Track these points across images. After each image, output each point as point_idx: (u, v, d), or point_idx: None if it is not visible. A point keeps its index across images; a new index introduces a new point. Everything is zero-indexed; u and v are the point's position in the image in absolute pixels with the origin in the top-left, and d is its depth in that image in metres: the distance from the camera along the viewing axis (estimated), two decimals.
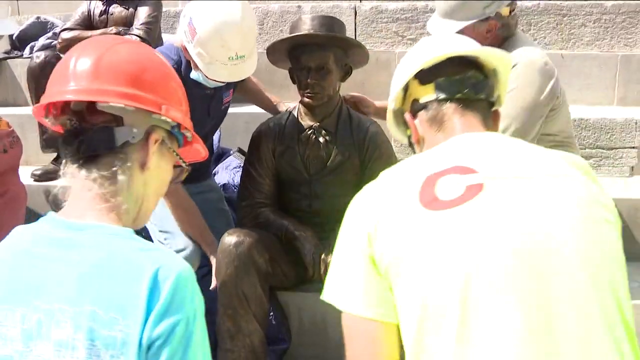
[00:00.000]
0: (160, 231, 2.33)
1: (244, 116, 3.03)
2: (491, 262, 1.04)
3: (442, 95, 1.28)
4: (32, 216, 3.16)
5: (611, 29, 3.56)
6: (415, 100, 1.32)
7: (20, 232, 1.11)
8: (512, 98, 2.09)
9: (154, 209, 1.21)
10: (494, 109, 1.35)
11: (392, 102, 1.39)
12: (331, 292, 1.18)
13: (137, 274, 0.99)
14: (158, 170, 1.16)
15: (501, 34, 2.24)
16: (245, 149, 2.51)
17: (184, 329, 0.99)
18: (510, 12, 2.23)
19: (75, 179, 1.10)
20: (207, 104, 2.35)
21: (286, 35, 2.35)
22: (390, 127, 1.46)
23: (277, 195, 2.37)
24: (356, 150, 2.33)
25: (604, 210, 1.15)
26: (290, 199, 2.38)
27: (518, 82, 2.12)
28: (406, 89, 1.35)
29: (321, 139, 2.30)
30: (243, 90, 2.68)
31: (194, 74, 2.14)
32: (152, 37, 3.12)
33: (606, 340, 1.02)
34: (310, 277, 2.26)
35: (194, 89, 2.19)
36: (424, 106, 1.30)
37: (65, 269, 1.02)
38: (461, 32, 2.06)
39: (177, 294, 1.00)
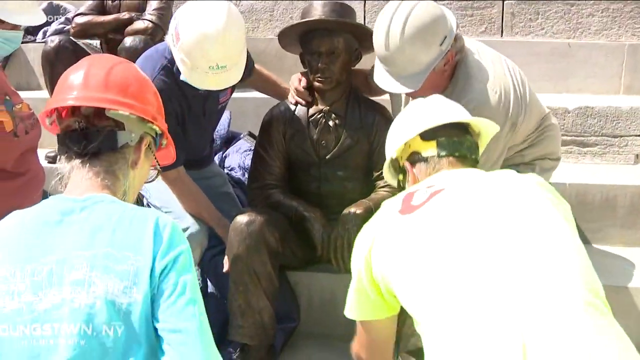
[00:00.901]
0: (166, 212, 2.37)
1: (254, 100, 3.06)
2: (461, 237, 1.27)
3: (443, 153, 1.53)
4: (47, 197, 3.21)
5: (619, 19, 3.59)
6: (416, 153, 1.57)
7: (28, 208, 1.29)
8: None
9: (134, 199, 1.43)
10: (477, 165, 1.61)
11: (392, 152, 1.64)
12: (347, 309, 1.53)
13: (142, 222, 1.23)
14: (142, 169, 1.41)
15: (457, 59, 2.10)
16: (256, 133, 2.55)
17: (186, 257, 1.25)
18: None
19: (78, 171, 1.31)
20: (202, 104, 2.38)
21: (297, 21, 2.39)
22: (385, 171, 1.72)
23: (287, 177, 2.42)
24: (365, 134, 2.37)
25: (551, 193, 1.40)
26: (300, 181, 2.43)
27: None
28: (406, 141, 1.59)
29: (331, 123, 2.35)
30: (255, 85, 2.71)
31: (182, 77, 2.15)
32: (164, 22, 3.16)
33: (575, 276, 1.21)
34: (319, 256, 2.31)
35: (187, 89, 2.23)
36: (425, 159, 1.55)
37: (78, 226, 1.23)
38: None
39: (175, 236, 1.25)
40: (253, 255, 2.14)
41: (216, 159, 3.03)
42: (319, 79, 2.27)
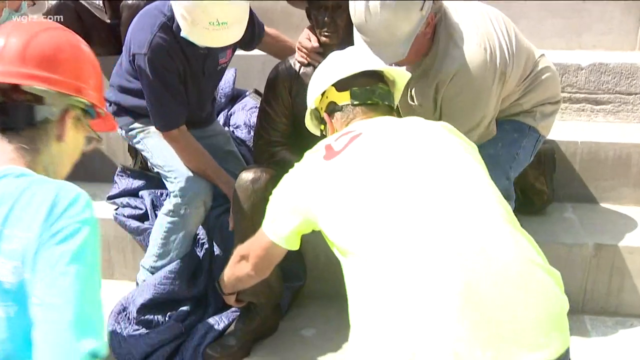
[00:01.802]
0: (168, 171, 2.35)
1: (260, 57, 3.00)
2: (383, 174, 1.40)
3: (356, 101, 1.65)
4: None
5: None
6: (333, 103, 1.69)
7: None
8: (467, 104, 2.04)
9: (67, 171, 1.42)
10: (394, 112, 1.72)
11: (311, 103, 1.76)
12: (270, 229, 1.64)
13: (42, 197, 1.17)
14: (73, 140, 1.38)
15: (437, 19, 2.03)
16: (262, 91, 2.50)
17: (77, 229, 1.15)
18: None
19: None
20: (202, 64, 2.34)
21: None
22: (307, 122, 1.83)
23: (293, 134, 2.38)
24: None
25: (459, 137, 1.58)
26: (305, 139, 2.38)
27: (467, 88, 2.02)
28: (323, 92, 1.71)
29: None
30: (263, 47, 2.65)
31: (182, 33, 2.11)
32: None
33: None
34: None
35: (187, 47, 2.20)
36: (340, 108, 1.67)
37: None
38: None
39: (71, 208, 1.16)
40: (258, 213, 2.06)
41: (221, 117, 3.00)
42: (325, 33, 2.22)
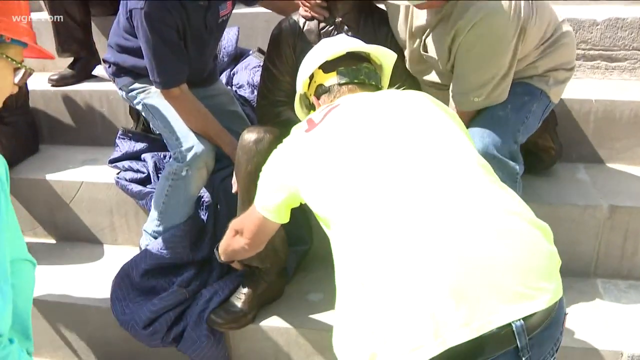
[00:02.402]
0: (170, 132, 2.29)
1: (264, 15, 2.92)
2: (364, 141, 1.40)
3: (343, 80, 1.67)
4: (52, 122, 3.15)
5: None
6: (320, 85, 1.70)
7: None
8: (483, 57, 1.95)
9: None
10: None
11: (299, 87, 1.77)
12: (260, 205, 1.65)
13: None
14: None
15: None
16: (266, 49, 2.43)
17: None
18: None
19: None
20: (203, 17, 2.27)
21: None
22: (296, 108, 1.86)
23: None
24: (379, 44, 2.23)
25: (439, 106, 1.57)
26: None
27: (486, 40, 1.92)
28: (311, 77, 1.73)
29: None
30: (266, 3, 2.56)
31: None
32: None
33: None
34: None
35: (186, 1, 2.14)
36: (327, 89, 1.68)
37: None
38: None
39: None
40: None
41: (223, 76, 2.93)
42: None
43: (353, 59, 1.72)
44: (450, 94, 2.08)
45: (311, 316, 2.22)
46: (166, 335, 2.19)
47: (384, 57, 1.78)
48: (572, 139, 2.67)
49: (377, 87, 1.72)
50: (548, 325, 1.22)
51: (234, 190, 2.16)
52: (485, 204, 1.28)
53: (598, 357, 2.03)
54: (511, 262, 1.20)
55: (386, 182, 1.32)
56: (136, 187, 2.60)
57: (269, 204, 1.61)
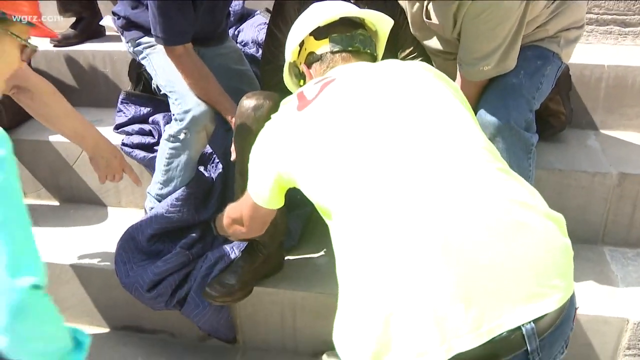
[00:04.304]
0: (170, 91, 2.26)
1: None
2: (361, 120, 1.30)
3: (336, 48, 1.56)
4: (54, 83, 3.11)
5: None
6: (311, 53, 1.60)
7: None
8: (491, 23, 1.87)
9: (4, 79, 1.46)
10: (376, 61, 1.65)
11: (288, 56, 1.67)
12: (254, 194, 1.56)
13: None
14: (2, 53, 1.41)
15: None
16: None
17: None
18: None
19: None
20: None
21: None
22: (285, 78, 1.75)
23: None
24: (389, 11, 2.15)
25: (437, 75, 1.47)
26: None
27: (495, 5, 1.84)
28: (301, 45, 1.63)
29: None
30: None
31: None
32: None
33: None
34: None
35: None
36: (319, 57, 1.58)
37: None
38: None
39: None
40: None
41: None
42: None
43: (346, 25, 1.61)
44: (458, 63, 2.01)
45: (317, 279, 2.21)
46: (170, 298, 2.19)
47: (380, 22, 1.68)
48: (583, 105, 2.63)
49: (372, 55, 1.63)
50: (559, 324, 1.14)
51: (232, 158, 2.13)
52: (495, 195, 1.18)
53: (604, 324, 2.03)
54: (523, 260, 1.12)
55: (389, 172, 1.21)
56: (140, 154, 2.58)
57: (261, 190, 1.52)
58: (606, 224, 2.36)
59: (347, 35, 1.58)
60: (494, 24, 1.88)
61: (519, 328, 1.07)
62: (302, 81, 1.67)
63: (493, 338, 1.06)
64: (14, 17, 1.38)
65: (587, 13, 2.22)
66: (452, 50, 2.06)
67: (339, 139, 1.29)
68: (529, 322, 1.08)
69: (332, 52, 1.57)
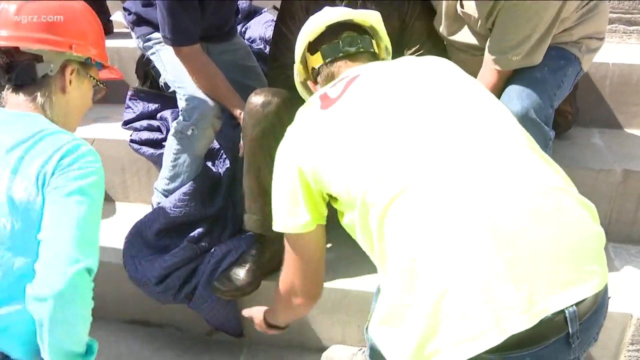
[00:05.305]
0: (178, 87, 2.29)
1: None
2: (393, 113, 1.30)
3: (328, 59, 1.59)
4: None
5: None
6: (313, 69, 1.64)
7: None
8: (528, 12, 1.90)
9: (78, 120, 1.64)
10: (381, 58, 1.70)
11: (297, 76, 1.72)
12: (277, 223, 1.48)
13: (62, 142, 1.41)
14: (79, 91, 1.59)
15: None
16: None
17: (89, 174, 1.39)
18: None
19: (11, 99, 1.51)
20: None
21: None
22: (302, 95, 1.78)
23: None
24: (395, 8, 2.19)
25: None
26: None
27: None
28: (306, 64, 1.67)
29: None
30: None
31: None
32: None
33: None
34: None
35: None
36: (319, 71, 1.62)
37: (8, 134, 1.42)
38: None
39: (88, 157, 1.42)
40: (269, 139, 1.98)
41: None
42: None
43: (334, 32, 1.61)
44: (487, 51, 2.04)
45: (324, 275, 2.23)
46: (178, 292, 2.21)
47: (367, 18, 1.67)
48: (588, 103, 2.64)
49: (370, 52, 1.63)
50: (596, 310, 1.17)
51: (240, 153, 2.14)
52: (536, 180, 1.20)
53: (608, 319, 1.99)
54: (564, 245, 1.14)
55: (426, 158, 1.22)
56: (148, 151, 2.60)
57: (295, 208, 1.41)
58: (610, 220, 2.38)
59: (334, 44, 1.60)
60: (532, 14, 1.92)
61: (562, 311, 1.10)
62: None
63: (541, 320, 1.08)
64: (97, 62, 1.61)
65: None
66: (481, 43, 2.09)
67: (378, 127, 1.29)
68: (572, 306, 1.11)
69: (326, 64, 1.60)
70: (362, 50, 1.61)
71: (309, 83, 1.69)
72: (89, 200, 1.37)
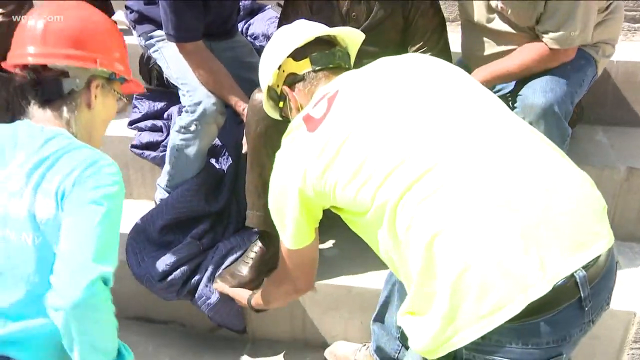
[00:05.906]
0: (182, 83, 2.29)
1: None
2: (386, 118, 1.33)
3: (318, 66, 1.59)
4: None
5: None
6: (292, 75, 1.62)
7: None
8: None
9: (102, 133, 1.67)
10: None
11: (267, 80, 1.66)
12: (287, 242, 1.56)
13: (84, 156, 1.42)
14: (104, 105, 1.60)
15: None
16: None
17: (109, 185, 1.40)
18: None
19: (37, 114, 1.52)
20: None
21: None
22: (265, 105, 1.75)
23: None
24: (399, 5, 2.19)
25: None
26: None
27: None
28: (280, 66, 1.63)
29: None
30: None
31: None
32: None
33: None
34: None
35: None
36: (302, 77, 1.60)
37: (33, 150, 1.43)
38: None
39: (109, 169, 1.42)
40: (272, 136, 1.97)
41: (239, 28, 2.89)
42: None
43: (321, 44, 1.63)
44: (543, 35, 2.05)
45: (326, 272, 2.22)
46: (181, 288, 2.21)
47: (351, 37, 1.70)
48: (592, 100, 2.63)
49: (348, 69, 1.64)
50: (604, 273, 1.23)
51: (244, 150, 2.15)
52: (546, 158, 1.27)
53: (611, 317, 2.04)
54: (568, 208, 1.20)
55: (447, 143, 1.27)
56: (152, 154, 2.62)
57: (295, 226, 1.51)
58: (614, 218, 2.37)
59: (327, 53, 1.61)
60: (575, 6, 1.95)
61: (572, 276, 1.16)
62: (281, 102, 1.69)
63: (554, 286, 1.13)
64: (121, 76, 1.63)
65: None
66: (522, 23, 2.10)
67: (377, 128, 1.33)
68: (581, 269, 1.17)
69: (315, 71, 1.59)
70: (347, 67, 1.65)
71: (284, 88, 1.65)
72: (104, 209, 1.37)
